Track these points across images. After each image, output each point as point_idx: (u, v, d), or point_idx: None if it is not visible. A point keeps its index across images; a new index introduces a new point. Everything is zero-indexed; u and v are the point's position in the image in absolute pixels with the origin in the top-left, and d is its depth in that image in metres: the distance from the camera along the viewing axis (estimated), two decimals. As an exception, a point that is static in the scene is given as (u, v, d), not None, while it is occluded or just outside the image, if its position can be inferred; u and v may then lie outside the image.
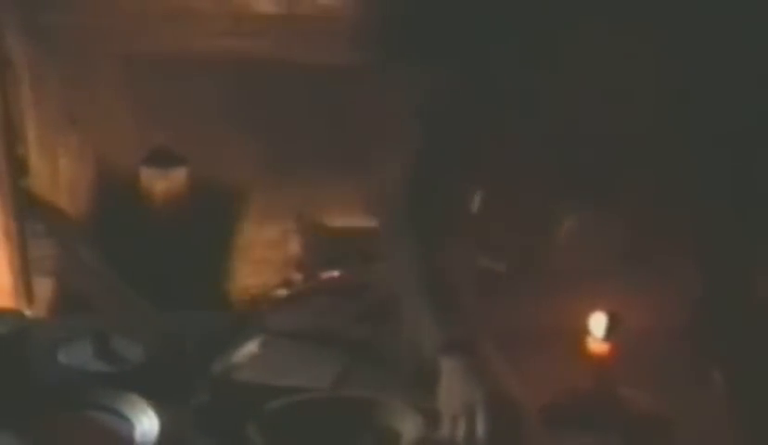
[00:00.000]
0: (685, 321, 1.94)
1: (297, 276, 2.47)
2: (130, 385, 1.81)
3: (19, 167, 2.49)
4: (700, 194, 2.03)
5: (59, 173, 2.56)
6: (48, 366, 1.91)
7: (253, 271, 2.56)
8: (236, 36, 2.42)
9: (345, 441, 1.72)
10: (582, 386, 1.79)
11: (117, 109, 2.51)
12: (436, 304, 1.84)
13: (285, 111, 2.45)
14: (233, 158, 2.48)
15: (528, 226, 2.10)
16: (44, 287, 2.43)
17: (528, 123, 2.05)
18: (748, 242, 2.03)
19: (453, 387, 1.74)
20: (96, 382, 1.85)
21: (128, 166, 2.51)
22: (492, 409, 1.68)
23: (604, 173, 2.05)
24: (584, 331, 1.78)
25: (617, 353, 1.76)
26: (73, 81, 2.51)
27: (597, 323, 1.77)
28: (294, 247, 2.54)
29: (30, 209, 2.48)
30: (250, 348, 1.99)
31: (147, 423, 1.72)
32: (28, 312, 2.32)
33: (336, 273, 2.37)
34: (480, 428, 1.67)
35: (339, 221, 2.60)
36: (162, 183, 2.49)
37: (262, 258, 2.56)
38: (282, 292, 2.43)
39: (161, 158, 2.49)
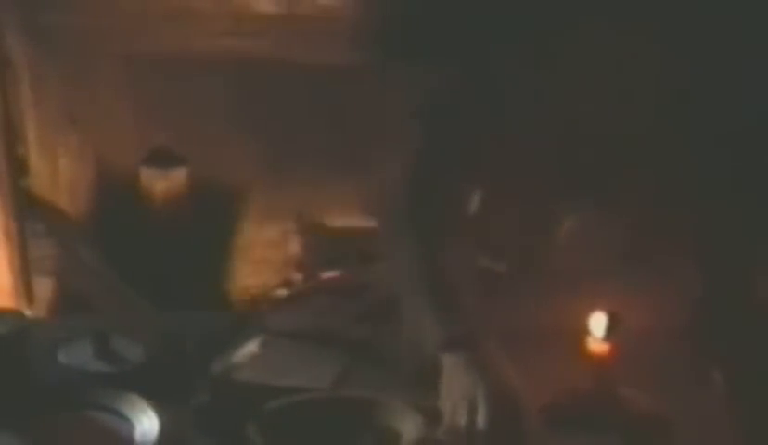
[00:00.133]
0: (685, 321, 1.94)
1: (297, 276, 2.47)
2: (130, 385, 1.81)
3: (19, 167, 2.49)
4: (700, 194, 2.03)
5: (59, 173, 2.56)
6: (48, 366, 1.91)
7: (253, 271, 2.56)
8: (236, 36, 2.42)
9: (345, 441, 1.72)
10: (582, 386, 1.79)
11: (117, 109, 2.51)
12: (437, 304, 1.84)
13: (285, 111, 2.45)
14: (233, 158, 2.48)
15: (528, 226, 2.10)
16: (44, 287, 2.43)
17: (528, 123, 2.05)
18: (748, 242, 2.03)
19: (454, 382, 1.74)
20: (96, 382, 1.85)
21: (128, 166, 2.51)
22: (492, 403, 1.69)
23: (604, 173, 2.05)
24: (584, 331, 1.78)
25: (617, 353, 1.76)
26: (73, 81, 2.51)
27: (597, 323, 1.77)
28: (294, 247, 2.54)
29: (30, 209, 2.48)
30: (250, 348, 1.99)
31: (147, 423, 1.72)
32: (28, 312, 2.32)
33: (336, 273, 2.37)
34: (481, 422, 1.68)
35: (339, 221, 2.60)
36: (162, 183, 2.49)
37: (262, 258, 2.56)
38: (282, 292, 2.43)
39: (161, 158, 2.49)
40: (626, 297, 1.82)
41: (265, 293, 2.46)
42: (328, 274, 2.38)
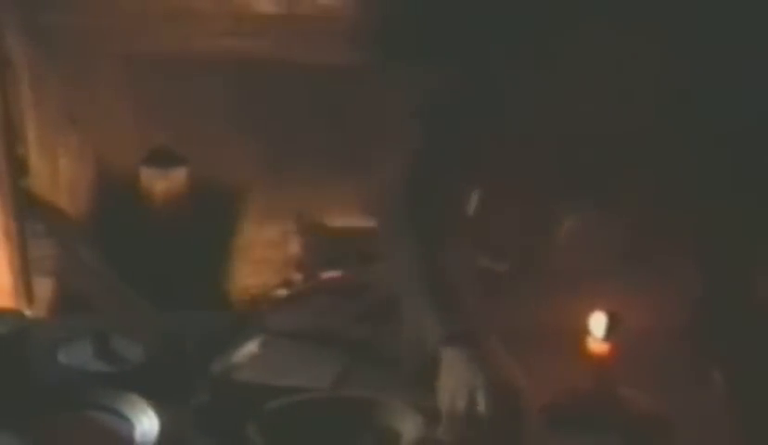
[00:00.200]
0: (685, 321, 1.94)
1: (297, 276, 2.47)
2: (130, 385, 1.81)
3: (19, 167, 2.49)
4: (700, 194, 2.03)
5: (59, 173, 2.56)
6: (48, 366, 1.91)
7: (253, 271, 2.56)
8: (236, 36, 2.42)
9: (345, 441, 1.72)
10: (582, 386, 1.79)
11: (117, 109, 2.51)
12: (437, 303, 1.84)
13: (285, 111, 2.45)
14: (233, 158, 2.48)
15: (528, 226, 2.10)
16: (44, 287, 2.43)
17: (528, 123, 2.05)
18: (748, 242, 2.03)
19: (453, 374, 1.75)
20: (96, 382, 1.85)
21: (128, 166, 2.51)
22: (492, 394, 1.69)
23: (604, 173, 2.05)
24: (584, 331, 1.78)
25: (617, 353, 1.76)
26: (73, 81, 2.51)
27: (597, 323, 1.77)
28: (294, 247, 2.54)
29: (30, 209, 2.48)
30: (250, 348, 1.99)
31: (147, 423, 1.72)
32: (28, 312, 2.32)
33: (336, 273, 2.37)
34: (480, 412, 1.68)
35: (339, 221, 2.60)
36: (162, 183, 2.49)
37: (262, 258, 2.56)
38: (282, 292, 2.43)
39: (161, 158, 2.49)
40: (626, 297, 1.82)
41: (265, 293, 2.46)
42: (328, 274, 2.38)
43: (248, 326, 2.09)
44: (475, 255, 2.11)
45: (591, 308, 1.78)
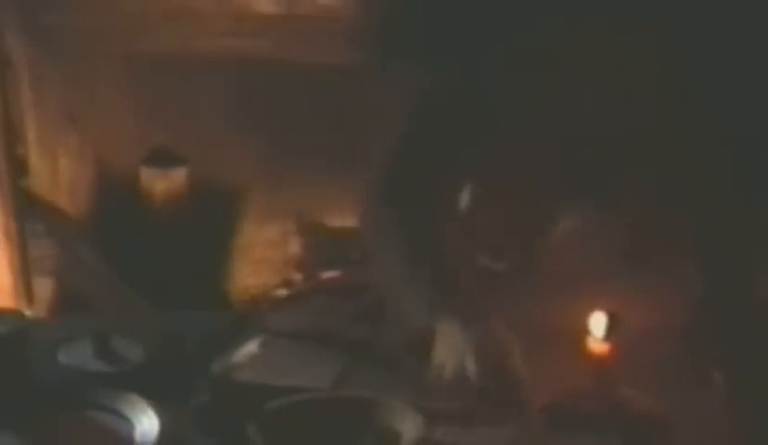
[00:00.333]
0: (685, 321, 1.94)
1: (297, 276, 2.47)
2: (130, 385, 1.81)
3: (19, 167, 2.49)
4: (700, 194, 2.03)
5: (59, 173, 2.56)
6: (48, 366, 1.91)
7: (253, 271, 2.56)
8: (236, 36, 2.42)
9: (345, 441, 1.72)
10: (582, 386, 1.79)
11: (117, 109, 2.51)
12: (422, 288, 1.86)
13: (285, 111, 2.45)
14: (233, 158, 2.48)
15: (527, 226, 2.10)
16: (44, 287, 2.43)
17: (528, 123, 2.05)
18: (748, 242, 2.03)
19: (446, 346, 1.76)
20: (96, 382, 1.85)
21: (128, 166, 2.51)
22: (481, 363, 1.71)
23: (604, 173, 2.05)
24: (584, 331, 1.78)
25: (617, 353, 1.76)
26: (73, 81, 2.51)
27: (597, 323, 1.77)
28: (294, 247, 2.54)
29: (30, 209, 2.48)
30: (250, 348, 1.99)
31: (147, 423, 1.72)
32: (28, 312, 2.32)
33: (336, 273, 2.37)
34: (469, 380, 1.70)
35: (338, 221, 2.60)
36: (162, 183, 2.49)
37: (262, 258, 2.56)
38: (282, 292, 2.43)
39: (161, 158, 2.49)
40: (626, 297, 1.83)
41: (265, 293, 2.46)
42: (328, 274, 2.38)
43: (248, 326, 2.09)
44: (474, 253, 2.11)
45: (591, 308, 1.78)
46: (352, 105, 2.38)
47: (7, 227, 2.40)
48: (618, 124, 2.01)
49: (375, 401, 1.77)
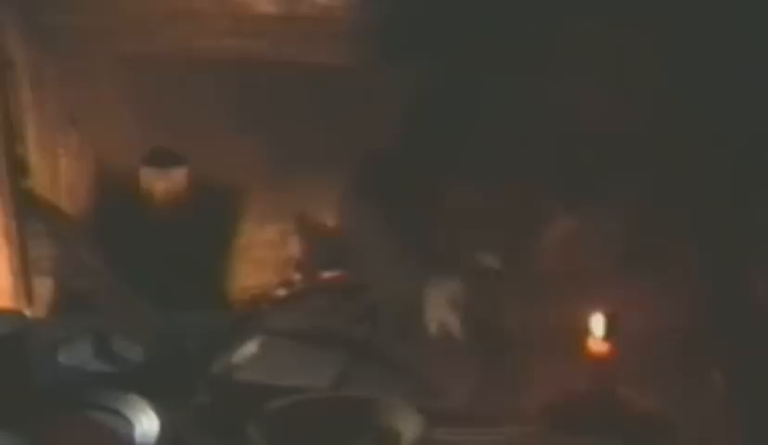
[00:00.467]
0: (685, 321, 1.94)
1: (296, 276, 2.47)
2: (130, 385, 1.81)
3: (19, 167, 2.49)
4: (700, 194, 2.03)
5: (59, 173, 2.56)
6: (48, 366, 1.91)
7: (253, 271, 2.55)
8: (236, 36, 2.42)
9: (345, 441, 1.72)
10: (582, 386, 1.79)
11: (117, 109, 2.50)
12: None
13: (285, 111, 2.45)
14: (233, 158, 2.48)
15: (527, 226, 2.10)
16: (44, 287, 2.43)
17: (528, 123, 2.05)
18: (748, 242, 2.03)
19: (433, 305, 1.81)
20: (96, 382, 1.85)
21: (128, 166, 2.51)
22: (465, 321, 1.74)
23: (604, 173, 2.05)
24: (584, 331, 1.78)
25: (617, 353, 1.76)
26: (73, 81, 2.51)
27: (597, 323, 1.77)
28: (294, 247, 2.54)
29: (30, 209, 2.48)
30: (250, 348, 1.99)
31: (147, 423, 1.72)
32: (28, 312, 2.32)
33: (336, 273, 2.37)
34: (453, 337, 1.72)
35: (339, 221, 2.59)
36: (162, 183, 2.49)
37: (261, 258, 2.55)
38: (282, 292, 2.43)
39: (161, 158, 2.49)
40: (626, 297, 1.83)
41: (265, 293, 2.46)
42: (328, 274, 2.38)
43: (248, 326, 2.09)
44: (474, 252, 2.11)
45: (591, 308, 1.78)
46: (351, 105, 2.37)
47: (7, 227, 2.40)
48: (617, 124, 2.01)
49: (375, 401, 1.77)
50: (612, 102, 2.02)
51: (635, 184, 2.05)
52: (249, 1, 2.42)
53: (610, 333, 1.75)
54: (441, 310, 1.90)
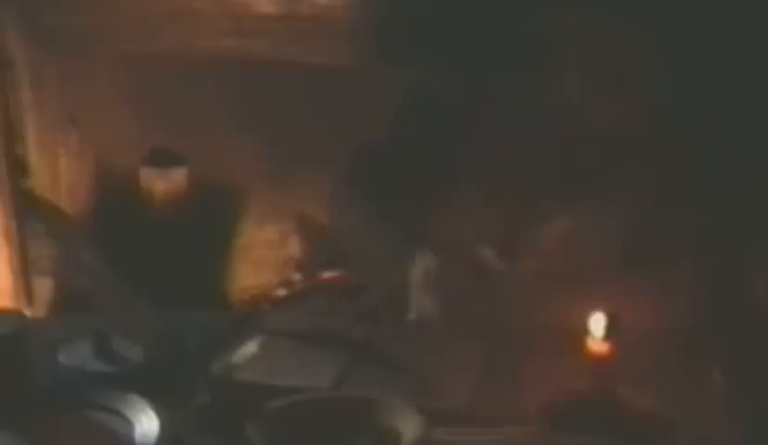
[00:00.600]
0: (685, 321, 1.94)
1: (297, 276, 2.47)
2: (130, 385, 1.81)
3: (19, 167, 2.49)
4: (700, 194, 2.03)
5: (59, 173, 2.56)
6: (48, 366, 1.91)
7: (253, 271, 2.55)
8: (236, 36, 2.42)
9: (345, 441, 1.72)
10: (582, 386, 1.79)
11: (117, 109, 2.50)
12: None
13: (285, 111, 2.45)
14: (233, 158, 2.48)
15: (527, 226, 2.10)
16: (44, 287, 2.43)
17: (528, 123, 2.05)
18: (747, 242, 2.03)
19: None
20: (96, 382, 1.85)
21: (128, 166, 2.51)
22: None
23: (604, 173, 2.05)
24: (584, 331, 1.78)
25: (617, 353, 1.76)
26: (73, 81, 2.51)
27: (597, 323, 1.77)
28: (294, 247, 2.54)
29: (30, 209, 2.48)
30: (250, 348, 1.99)
31: (146, 423, 1.72)
32: (28, 312, 2.32)
33: (336, 273, 2.37)
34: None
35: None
36: (162, 183, 2.49)
37: (261, 258, 2.55)
38: (282, 292, 2.43)
39: (161, 158, 2.49)
40: (626, 297, 1.83)
41: (265, 293, 2.46)
42: (328, 274, 2.38)
43: (248, 326, 2.09)
44: (473, 251, 2.11)
45: (591, 308, 1.78)
46: (351, 105, 2.37)
47: (7, 227, 2.40)
48: (617, 124, 2.01)
49: (375, 401, 1.77)
50: (612, 102, 2.02)
51: (635, 183, 2.05)
52: (249, 1, 2.42)
53: (610, 333, 1.75)
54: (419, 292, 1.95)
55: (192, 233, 2.48)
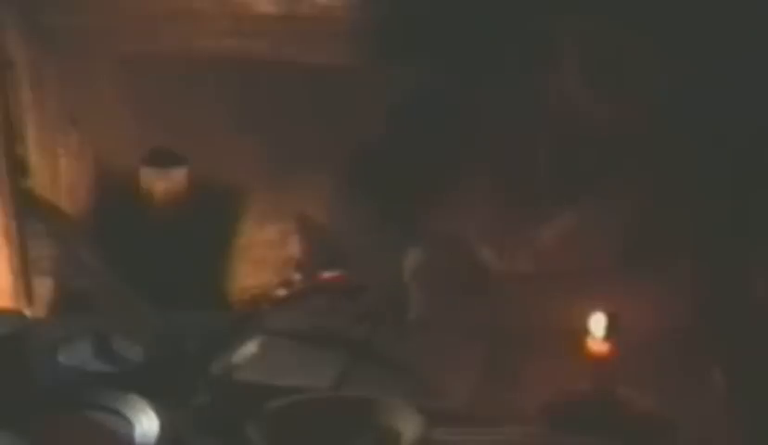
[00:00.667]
0: (685, 321, 1.94)
1: (297, 276, 2.47)
2: (130, 385, 1.81)
3: (19, 167, 2.49)
4: (700, 194, 2.03)
5: (59, 173, 2.56)
6: (48, 366, 1.91)
7: (253, 271, 2.55)
8: (236, 36, 2.42)
9: (345, 441, 1.72)
10: (582, 386, 1.79)
11: (117, 109, 2.50)
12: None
13: (285, 111, 2.45)
14: (233, 158, 2.48)
15: (527, 225, 2.10)
16: (44, 287, 2.43)
17: (528, 122, 2.05)
18: (747, 242, 2.03)
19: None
20: (96, 382, 1.85)
21: (128, 166, 2.51)
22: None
23: (604, 173, 2.05)
24: (584, 331, 1.78)
25: (617, 353, 1.76)
26: (73, 81, 2.51)
27: (597, 323, 1.77)
28: (294, 247, 2.54)
29: (30, 209, 2.48)
30: (250, 348, 1.99)
31: (146, 423, 1.72)
32: (28, 312, 2.32)
33: (336, 273, 2.37)
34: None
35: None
36: (162, 183, 2.49)
37: (261, 258, 2.55)
38: (282, 292, 2.43)
39: (161, 158, 2.49)
40: (626, 297, 1.83)
41: (265, 293, 2.46)
42: (328, 274, 2.38)
43: (248, 326, 2.09)
44: (473, 251, 2.12)
45: (591, 308, 1.78)
46: (351, 105, 2.37)
47: (7, 227, 2.40)
48: (618, 124, 2.01)
49: (375, 401, 1.77)
50: (612, 102, 2.02)
51: (635, 183, 2.05)
52: (249, 1, 2.42)
53: (610, 333, 1.75)
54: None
55: (192, 233, 2.48)
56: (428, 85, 2.20)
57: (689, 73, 2.00)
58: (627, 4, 2.00)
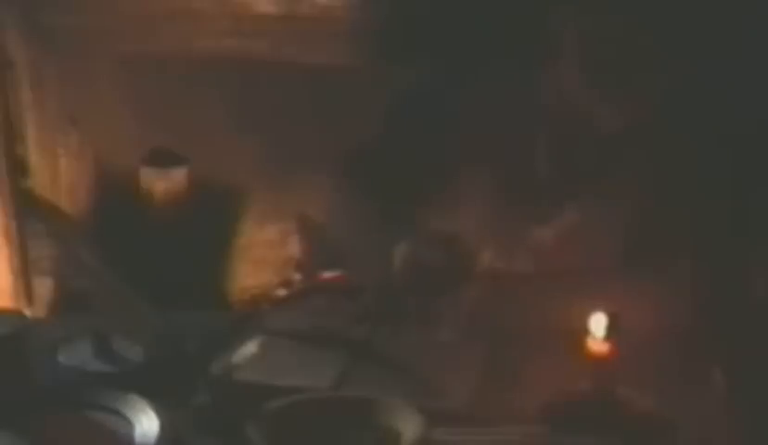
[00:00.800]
0: (685, 321, 1.94)
1: (296, 276, 2.47)
2: (130, 385, 1.81)
3: (19, 167, 2.49)
4: (700, 194, 2.03)
5: (59, 173, 2.56)
6: (48, 366, 1.91)
7: (253, 271, 2.55)
8: (236, 36, 2.42)
9: (345, 441, 1.72)
10: (582, 386, 1.79)
11: (117, 109, 2.50)
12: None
13: (285, 112, 2.45)
14: (233, 158, 2.48)
15: (527, 225, 2.10)
16: (44, 287, 2.43)
17: (528, 121, 2.05)
18: (747, 242, 2.03)
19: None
20: (95, 382, 1.85)
21: (128, 166, 2.51)
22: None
23: (604, 173, 2.05)
24: (584, 331, 1.78)
25: (617, 353, 1.76)
26: (73, 81, 2.51)
27: (597, 323, 1.77)
28: (294, 247, 2.54)
29: (30, 209, 2.48)
30: (250, 348, 1.99)
31: (146, 423, 1.72)
32: (28, 312, 2.32)
33: (336, 273, 2.37)
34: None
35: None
36: (162, 183, 2.49)
37: (261, 258, 2.55)
38: (282, 292, 2.43)
39: (161, 158, 2.49)
40: (626, 297, 1.83)
41: (265, 293, 2.46)
42: (328, 274, 2.38)
43: (248, 326, 2.09)
44: (472, 250, 2.12)
45: (591, 308, 1.78)
46: (351, 105, 2.37)
47: (7, 227, 2.40)
48: (617, 124, 2.01)
49: (375, 401, 1.77)
50: (612, 101, 2.02)
51: (635, 183, 2.05)
52: (249, 1, 2.42)
53: (610, 333, 1.75)
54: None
55: (192, 233, 2.48)
56: (428, 85, 2.20)
57: (689, 73, 2.00)
58: (627, 4, 2.00)
